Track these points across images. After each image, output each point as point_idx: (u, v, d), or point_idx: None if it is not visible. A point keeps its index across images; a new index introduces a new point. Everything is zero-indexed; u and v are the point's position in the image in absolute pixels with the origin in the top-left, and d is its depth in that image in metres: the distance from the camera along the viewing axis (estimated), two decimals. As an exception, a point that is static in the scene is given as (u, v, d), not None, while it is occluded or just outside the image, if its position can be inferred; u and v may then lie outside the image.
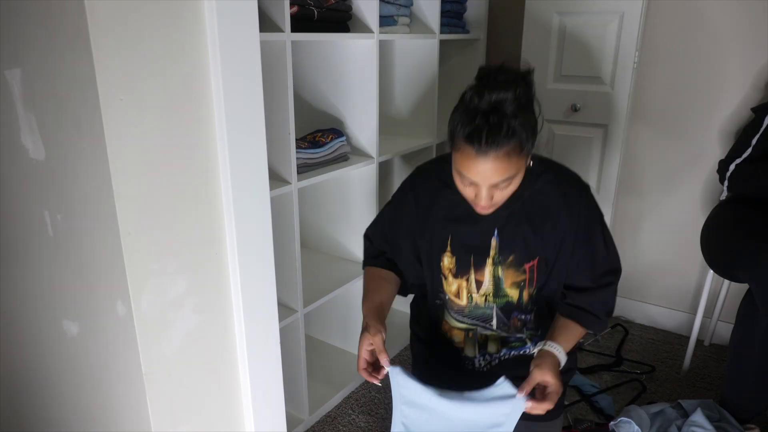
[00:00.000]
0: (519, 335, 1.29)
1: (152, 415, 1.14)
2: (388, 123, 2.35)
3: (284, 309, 1.75)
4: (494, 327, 1.27)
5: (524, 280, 1.22)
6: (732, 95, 2.14)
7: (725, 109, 2.16)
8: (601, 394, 2.01)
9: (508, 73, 1.05)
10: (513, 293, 1.23)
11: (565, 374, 1.21)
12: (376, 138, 1.93)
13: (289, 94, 1.55)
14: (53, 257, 1.18)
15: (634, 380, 2.13)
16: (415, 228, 1.28)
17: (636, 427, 1.68)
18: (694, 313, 2.15)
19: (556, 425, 1.31)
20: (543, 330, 1.27)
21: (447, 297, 1.28)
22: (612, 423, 1.76)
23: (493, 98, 1.02)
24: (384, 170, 2.40)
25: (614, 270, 1.24)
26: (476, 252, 1.22)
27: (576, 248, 1.19)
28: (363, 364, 1.12)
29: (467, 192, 1.12)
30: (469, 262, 1.22)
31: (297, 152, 1.66)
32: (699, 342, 2.31)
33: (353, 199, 2.07)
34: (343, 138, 1.84)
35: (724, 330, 2.30)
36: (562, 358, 1.12)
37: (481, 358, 1.31)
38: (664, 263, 2.44)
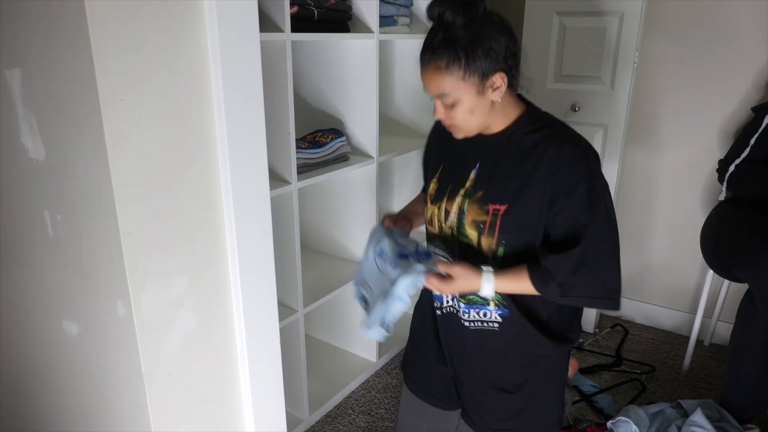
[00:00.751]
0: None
1: (152, 415, 1.14)
2: (388, 123, 2.34)
3: (284, 309, 1.75)
4: None
5: (484, 222, 1.20)
6: (732, 95, 2.14)
7: (725, 109, 2.16)
8: (601, 394, 2.01)
9: (476, 7, 1.08)
10: (472, 235, 1.23)
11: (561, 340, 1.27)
12: (376, 138, 1.93)
13: (289, 94, 1.55)
14: (53, 257, 1.18)
15: (634, 380, 2.14)
16: (428, 161, 1.42)
17: (634, 427, 1.68)
18: (694, 313, 2.15)
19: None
20: (511, 301, 1.24)
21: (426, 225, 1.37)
22: (610, 422, 1.76)
23: (439, 13, 1.08)
24: (384, 170, 2.40)
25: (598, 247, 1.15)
26: (455, 181, 1.27)
27: (558, 203, 1.14)
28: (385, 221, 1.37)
29: (434, 109, 1.20)
30: (446, 190, 1.29)
31: (297, 152, 1.66)
32: (699, 342, 2.31)
33: (353, 199, 2.06)
34: (343, 138, 1.84)
35: (724, 330, 2.30)
36: (487, 282, 1.16)
37: (449, 297, 1.34)
38: (664, 263, 2.44)
